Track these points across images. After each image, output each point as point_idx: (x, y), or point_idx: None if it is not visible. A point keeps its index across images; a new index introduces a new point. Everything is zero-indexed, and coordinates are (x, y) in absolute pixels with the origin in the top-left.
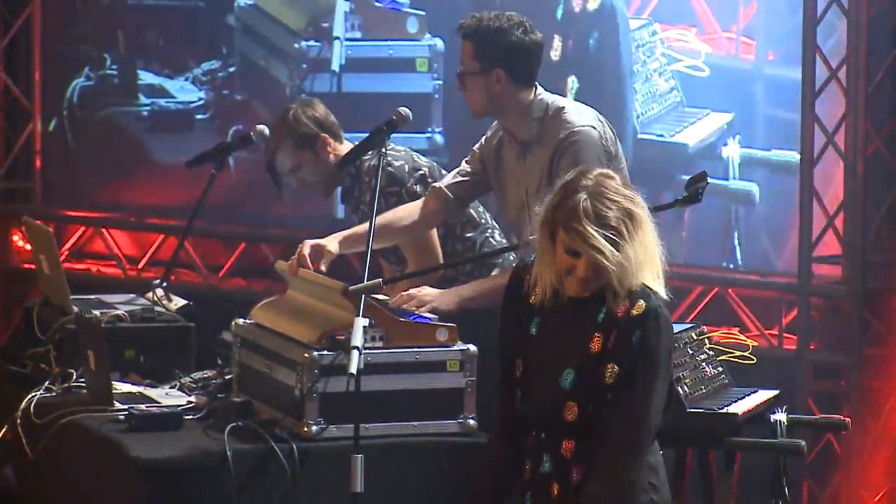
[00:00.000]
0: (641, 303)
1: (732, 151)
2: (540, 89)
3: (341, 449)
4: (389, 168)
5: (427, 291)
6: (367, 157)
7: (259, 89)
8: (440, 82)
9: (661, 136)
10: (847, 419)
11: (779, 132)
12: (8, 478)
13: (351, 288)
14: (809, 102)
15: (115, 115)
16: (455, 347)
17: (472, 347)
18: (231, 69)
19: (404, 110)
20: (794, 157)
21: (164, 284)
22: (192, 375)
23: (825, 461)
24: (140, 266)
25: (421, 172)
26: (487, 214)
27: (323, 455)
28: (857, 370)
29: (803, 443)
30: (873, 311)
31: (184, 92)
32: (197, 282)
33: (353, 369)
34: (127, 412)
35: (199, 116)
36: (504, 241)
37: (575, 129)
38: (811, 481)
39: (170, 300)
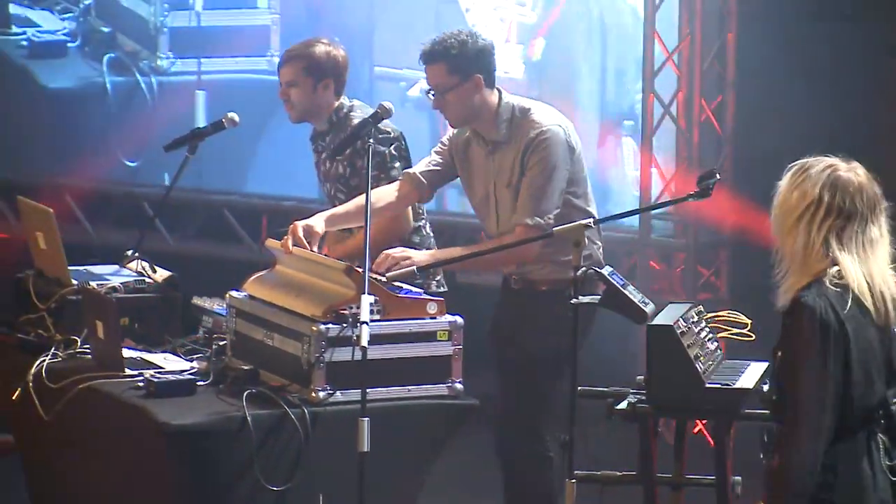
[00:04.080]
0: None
1: None
2: (504, 93)
3: (347, 412)
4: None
5: (404, 251)
6: (354, 114)
7: (121, 22)
8: (277, 15)
9: None
10: None
11: None
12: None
13: (389, 274)
14: (649, 81)
15: None
16: (443, 319)
17: (459, 319)
18: (88, 2)
19: (388, 104)
20: None
21: (137, 254)
22: (180, 341)
23: None
24: None
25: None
26: (423, 206)
27: (330, 418)
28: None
29: None
30: (704, 262)
31: (48, 21)
32: None
33: (365, 342)
34: (144, 379)
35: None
36: (432, 233)
37: (544, 129)
38: None
39: (154, 271)
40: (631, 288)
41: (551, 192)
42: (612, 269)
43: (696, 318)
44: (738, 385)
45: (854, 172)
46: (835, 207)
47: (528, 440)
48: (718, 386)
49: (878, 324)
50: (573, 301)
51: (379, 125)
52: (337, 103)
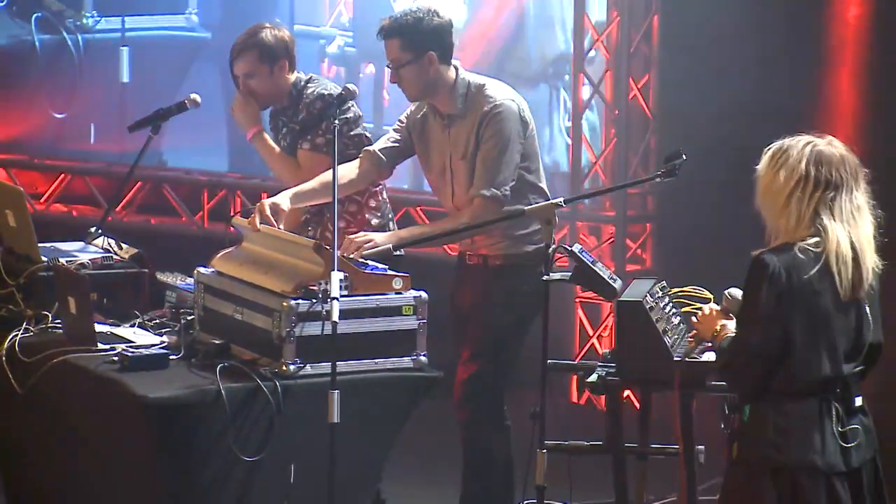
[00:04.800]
0: None
1: None
2: (460, 69)
3: (316, 385)
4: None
5: (366, 235)
6: (311, 85)
7: None
8: None
9: None
10: None
11: None
12: None
13: (366, 252)
14: (579, 62)
15: None
16: (408, 294)
17: (424, 294)
18: None
19: (352, 86)
20: None
21: (100, 231)
22: (147, 315)
23: None
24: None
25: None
26: None
27: (300, 391)
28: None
29: None
30: (631, 235)
31: None
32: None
33: (336, 317)
34: (118, 353)
35: None
36: (385, 198)
37: (498, 103)
38: None
39: (120, 248)
40: (600, 265)
41: (506, 164)
42: (580, 246)
43: (660, 294)
44: (704, 358)
45: (833, 145)
46: (822, 180)
47: (486, 411)
48: (686, 359)
49: (844, 297)
50: (545, 278)
51: (330, 88)
52: (293, 79)
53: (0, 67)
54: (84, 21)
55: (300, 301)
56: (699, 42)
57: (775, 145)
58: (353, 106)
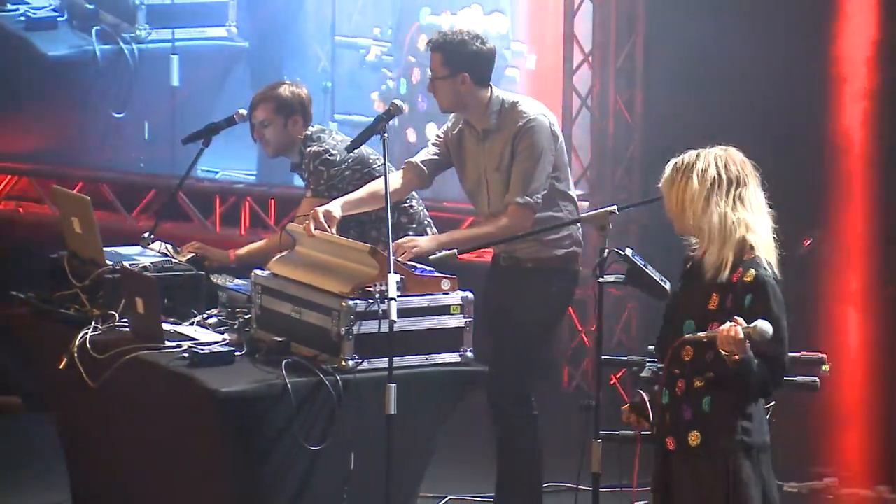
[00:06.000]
0: (752, 271)
1: None
2: (495, 89)
3: (372, 379)
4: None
5: (412, 240)
6: (311, 144)
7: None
8: None
9: None
10: (824, 355)
11: None
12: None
13: (432, 257)
14: (569, 77)
15: None
16: (456, 294)
17: (470, 294)
18: None
19: (399, 101)
20: None
21: (152, 236)
22: (205, 314)
23: None
24: None
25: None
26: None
27: (359, 384)
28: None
29: (817, 379)
30: (616, 239)
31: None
32: None
33: (394, 316)
34: (188, 350)
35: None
36: (421, 209)
37: (531, 118)
38: None
39: (177, 252)
40: (651, 267)
41: (539, 174)
42: (632, 249)
43: None
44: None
45: (730, 149)
46: (733, 178)
47: (517, 403)
48: None
49: None
50: (600, 280)
51: (326, 142)
52: (304, 135)
53: (64, 73)
54: (138, 33)
55: (358, 301)
56: (681, 60)
57: (674, 159)
58: (338, 165)
